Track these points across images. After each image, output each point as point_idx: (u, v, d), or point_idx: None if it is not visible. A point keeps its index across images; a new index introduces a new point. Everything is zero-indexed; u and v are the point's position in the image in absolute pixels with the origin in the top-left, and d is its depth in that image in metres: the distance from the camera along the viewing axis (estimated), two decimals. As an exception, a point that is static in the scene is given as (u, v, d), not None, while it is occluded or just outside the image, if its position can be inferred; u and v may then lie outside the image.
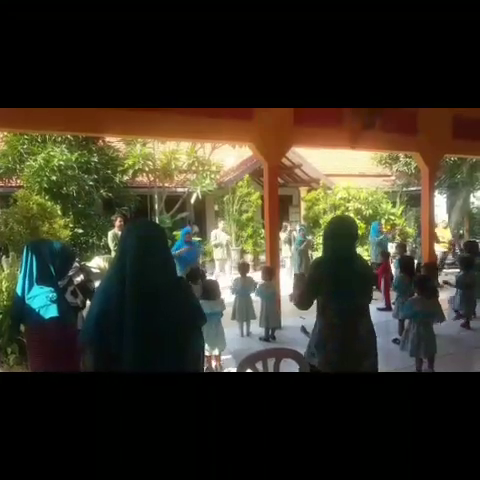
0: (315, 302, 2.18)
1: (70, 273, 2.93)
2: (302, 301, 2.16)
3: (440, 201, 13.43)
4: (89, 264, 5.22)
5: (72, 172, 8.18)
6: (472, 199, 13.34)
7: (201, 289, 3.74)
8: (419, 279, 3.76)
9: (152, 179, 9.75)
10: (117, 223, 6.38)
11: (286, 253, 9.19)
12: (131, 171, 9.16)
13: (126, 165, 9.10)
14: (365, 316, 2.13)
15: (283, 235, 9.30)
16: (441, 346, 3.56)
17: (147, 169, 9.33)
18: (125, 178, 9.44)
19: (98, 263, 5.70)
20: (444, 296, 5.20)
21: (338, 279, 2.03)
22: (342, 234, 2.11)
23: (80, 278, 3.12)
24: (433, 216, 6.62)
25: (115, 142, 9.70)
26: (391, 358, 3.95)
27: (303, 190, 12.29)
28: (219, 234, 8.56)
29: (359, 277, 2.08)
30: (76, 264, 3.20)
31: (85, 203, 8.78)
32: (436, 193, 11.99)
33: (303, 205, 12.08)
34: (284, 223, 9.70)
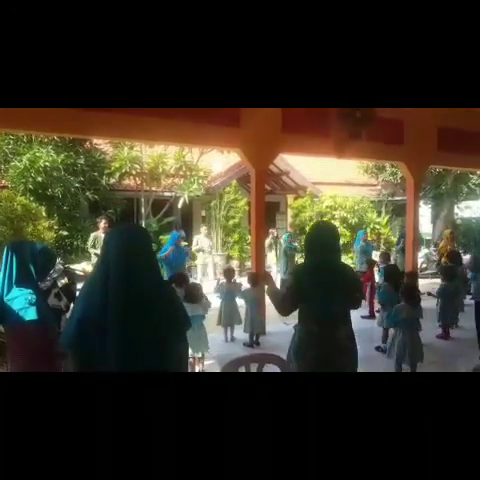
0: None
1: (54, 275, 2.88)
2: (283, 307, 2.16)
3: (425, 211, 13.70)
4: (74, 267, 5.14)
5: (58, 173, 8.08)
6: (456, 210, 13.65)
7: (184, 292, 3.74)
8: (406, 287, 3.81)
9: (139, 182, 9.69)
10: (101, 225, 6.27)
11: (271, 259, 9.23)
12: (118, 174, 9.09)
13: (113, 168, 9.04)
14: (345, 324, 2.13)
15: (268, 241, 9.35)
16: (425, 355, 3.58)
17: (134, 172, 9.28)
18: (112, 181, 9.38)
19: (84, 266, 5.62)
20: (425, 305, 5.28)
21: (318, 287, 2.02)
22: (323, 241, 2.11)
23: (64, 281, 3.07)
24: (418, 226, 6.74)
25: (102, 144, 9.63)
26: (374, 366, 3.97)
27: (290, 197, 12.38)
28: (201, 239, 8.55)
29: (340, 284, 2.08)
30: (60, 266, 3.15)
31: (70, 205, 8.67)
32: (421, 203, 12.25)
33: (290, 212, 12.17)
34: (270, 230, 9.75)
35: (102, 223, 6.30)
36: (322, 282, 2.03)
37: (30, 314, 2.45)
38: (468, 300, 6.14)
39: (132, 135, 4.70)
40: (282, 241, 8.87)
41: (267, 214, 5.68)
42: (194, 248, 8.57)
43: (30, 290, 2.49)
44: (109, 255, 1.30)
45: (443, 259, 7.12)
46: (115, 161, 9.10)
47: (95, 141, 9.29)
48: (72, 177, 8.35)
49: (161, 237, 9.28)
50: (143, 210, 9.67)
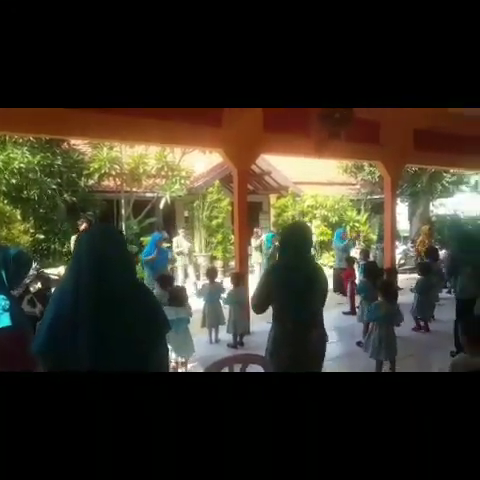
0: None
1: (27, 281, 2.79)
2: (256, 305, 2.19)
3: (402, 209, 14.04)
4: (50, 271, 4.99)
5: (34, 175, 7.87)
6: (431, 207, 14.04)
7: (168, 295, 3.71)
8: (383, 284, 3.90)
9: (119, 183, 9.55)
10: (82, 227, 6.19)
11: (257, 259, 9.27)
12: (97, 175, 8.92)
13: (92, 169, 8.86)
14: (319, 322, 2.18)
15: (254, 241, 9.38)
16: (402, 348, 3.68)
17: (114, 173, 9.13)
18: (90, 182, 9.20)
19: (60, 271, 5.50)
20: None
21: (292, 286, 2.06)
22: (297, 241, 2.14)
23: (38, 286, 2.98)
24: (395, 223, 6.91)
25: (80, 145, 9.44)
26: (355, 360, 4.06)
27: (273, 197, 12.46)
28: (181, 241, 8.49)
29: (313, 284, 2.12)
30: (33, 271, 3.05)
31: (47, 207, 8.47)
32: (398, 201, 12.54)
33: (273, 212, 12.25)
34: (255, 229, 9.77)
35: (83, 225, 6.22)
36: (296, 281, 2.06)
37: (3, 321, 2.40)
38: (444, 294, 6.36)
39: (113, 136, 4.63)
40: (265, 241, 8.94)
41: (250, 214, 5.72)
42: (174, 251, 8.50)
43: (3, 296, 2.43)
44: (80, 258, 1.29)
45: (421, 254, 7.34)
46: (94, 162, 8.93)
47: (73, 142, 9.09)
48: (49, 179, 8.14)
49: (143, 238, 9.17)
50: (123, 211, 9.53)
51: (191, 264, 8.72)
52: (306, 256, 2.17)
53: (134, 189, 9.69)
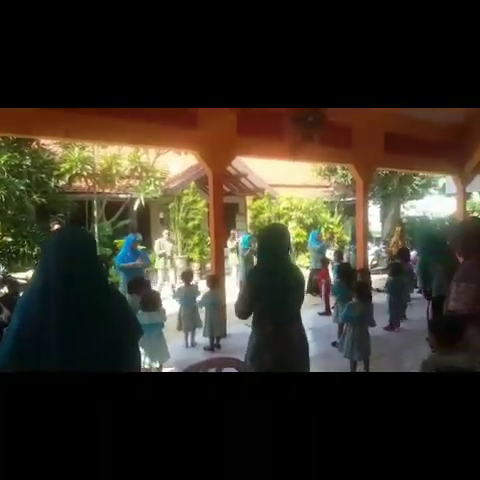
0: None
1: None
2: (240, 310, 2.18)
3: (374, 211, 14.41)
4: (17, 275, 4.79)
5: (0, 176, 7.57)
6: (402, 209, 14.49)
7: (141, 299, 3.64)
8: (357, 284, 3.98)
9: (91, 184, 9.32)
10: (55, 228, 6.01)
11: (234, 261, 9.26)
12: (68, 175, 8.68)
13: (62, 169, 8.62)
14: (298, 323, 2.19)
15: (231, 243, 9.36)
16: (375, 347, 3.76)
17: (86, 174, 8.91)
18: (61, 183, 8.94)
19: (29, 274, 5.29)
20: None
21: (272, 288, 2.06)
22: (274, 243, 2.15)
23: (4, 291, 2.86)
24: (367, 225, 7.08)
25: (51, 145, 9.15)
26: (330, 361, 4.12)
27: (249, 199, 12.51)
28: (164, 243, 8.37)
29: (292, 285, 2.14)
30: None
31: (15, 209, 8.15)
32: (370, 203, 12.86)
33: (249, 213, 12.30)
34: (232, 231, 9.77)
35: (55, 227, 6.04)
36: (275, 284, 2.07)
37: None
38: (415, 294, 6.56)
39: (85, 136, 4.51)
40: (242, 242, 8.94)
41: (227, 215, 5.71)
42: (157, 253, 8.35)
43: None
44: (48, 262, 1.25)
45: (394, 255, 7.56)
46: (65, 162, 8.68)
47: (42, 141, 8.81)
48: (17, 179, 7.85)
49: (116, 241, 8.99)
50: (96, 213, 9.31)
51: (173, 267, 8.58)
52: (284, 258, 2.18)
53: (107, 190, 9.48)
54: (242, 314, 2.18)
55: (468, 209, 12.73)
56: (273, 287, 2.06)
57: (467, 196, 9.93)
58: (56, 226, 6.08)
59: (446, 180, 13.40)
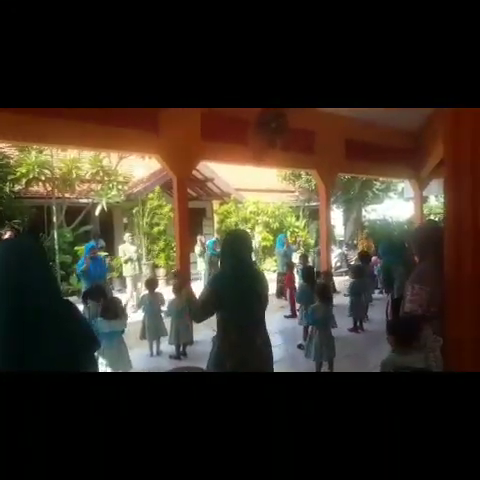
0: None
1: None
2: (196, 315, 2.16)
3: (338, 214, 14.83)
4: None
5: None
6: (364, 213, 15.00)
7: (101, 307, 3.54)
8: (319, 288, 4.05)
9: (50, 189, 8.94)
10: (5, 237, 5.69)
11: (202, 266, 9.19)
12: (24, 180, 8.28)
13: (18, 173, 8.21)
14: (262, 329, 2.19)
15: (197, 248, 9.29)
16: (339, 348, 3.84)
17: (44, 178, 8.54)
18: (17, 187, 8.51)
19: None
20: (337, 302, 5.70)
21: (236, 295, 2.05)
22: (236, 249, 2.14)
23: None
24: (330, 228, 7.27)
25: (5, 148, 8.70)
26: (296, 363, 4.17)
27: (216, 203, 12.49)
28: (127, 248, 8.11)
29: (256, 291, 2.14)
30: None
31: (-34, 216, 7.68)
32: (334, 207, 13.22)
33: (216, 218, 12.27)
34: (198, 237, 9.69)
35: (6, 235, 5.72)
36: (238, 290, 2.06)
37: None
38: (377, 295, 6.79)
39: (42, 139, 4.30)
40: (207, 247, 8.91)
41: (194, 220, 5.66)
42: (122, 259, 8.08)
43: None
44: None
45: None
46: (21, 166, 8.28)
47: (-4, 144, 8.38)
48: (-33, 184, 7.41)
49: (77, 248, 8.67)
50: (55, 219, 8.94)
51: (141, 272, 8.25)
52: (246, 264, 2.17)
53: (67, 195, 9.12)
54: (197, 317, 2.16)
55: (425, 212, 13.40)
56: (236, 293, 2.04)
57: (424, 200, 10.41)
58: (8, 234, 5.74)
59: (404, 185, 14.03)
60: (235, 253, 2.12)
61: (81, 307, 4.56)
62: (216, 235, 10.96)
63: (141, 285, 8.12)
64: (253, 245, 2.34)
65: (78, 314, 1.39)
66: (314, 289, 4.22)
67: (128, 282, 7.99)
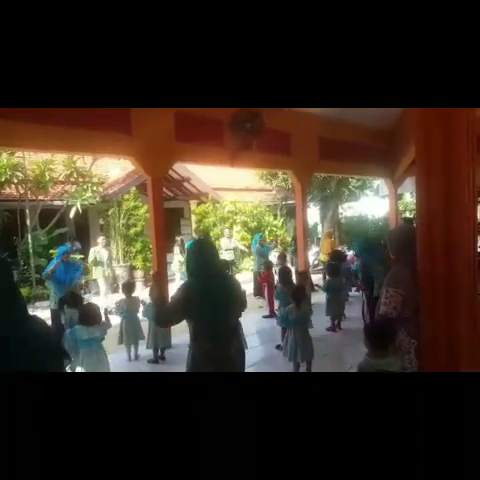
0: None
1: None
2: (161, 320, 2.13)
3: (315, 213, 14.99)
4: None
5: None
6: (341, 210, 15.22)
7: (79, 314, 3.44)
8: (294, 289, 4.07)
9: (23, 191, 8.66)
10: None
11: (177, 268, 9.10)
12: (-4, 182, 7.99)
13: (-11, 176, 7.91)
14: (236, 337, 2.19)
15: (177, 249, 9.20)
16: (317, 348, 3.87)
17: (16, 180, 8.26)
18: (-13, 191, 8.20)
19: None
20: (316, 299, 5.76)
21: (207, 304, 2.04)
22: (204, 258, 2.13)
23: None
24: (307, 227, 7.34)
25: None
26: (274, 363, 4.19)
27: (193, 203, 12.40)
28: (99, 251, 7.96)
29: (228, 299, 2.13)
30: None
31: None
32: (311, 205, 13.36)
33: (194, 218, 12.18)
34: (177, 237, 9.59)
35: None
36: (210, 299, 2.04)
37: None
38: (354, 292, 6.89)
39: (13, 143, 4.14)
40: (186, 249, 8.81)
41: (172, 220, 5.59)
42: (91, 261, 7.93)
43: None
44: None
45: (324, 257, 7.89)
46: (-9, 169, 7.98)
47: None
48: None
49: (52, 251, 8.42)
50: (29, 222, 8.67)
51: (112, 275, 8.18)
52: (215, 271, 2.16)
53: (40, 197, 8.87)
54: (161, 323, 2.14)
55: (401, 208, 13.72)
56: (207, 302, 2.03)
57: (399, 197, 10.64)
58: None
59: (379, 183, 14.33)
60: (199, 264, 2.11)
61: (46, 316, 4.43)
62: (195, 235, 10.89)
63: (116, 286, 8.05)
64: (232, 246, 2.32)
65: (45, 329, 1.35)
66: (290, 291, 4.23)
67: (100, 284, 7.93)
